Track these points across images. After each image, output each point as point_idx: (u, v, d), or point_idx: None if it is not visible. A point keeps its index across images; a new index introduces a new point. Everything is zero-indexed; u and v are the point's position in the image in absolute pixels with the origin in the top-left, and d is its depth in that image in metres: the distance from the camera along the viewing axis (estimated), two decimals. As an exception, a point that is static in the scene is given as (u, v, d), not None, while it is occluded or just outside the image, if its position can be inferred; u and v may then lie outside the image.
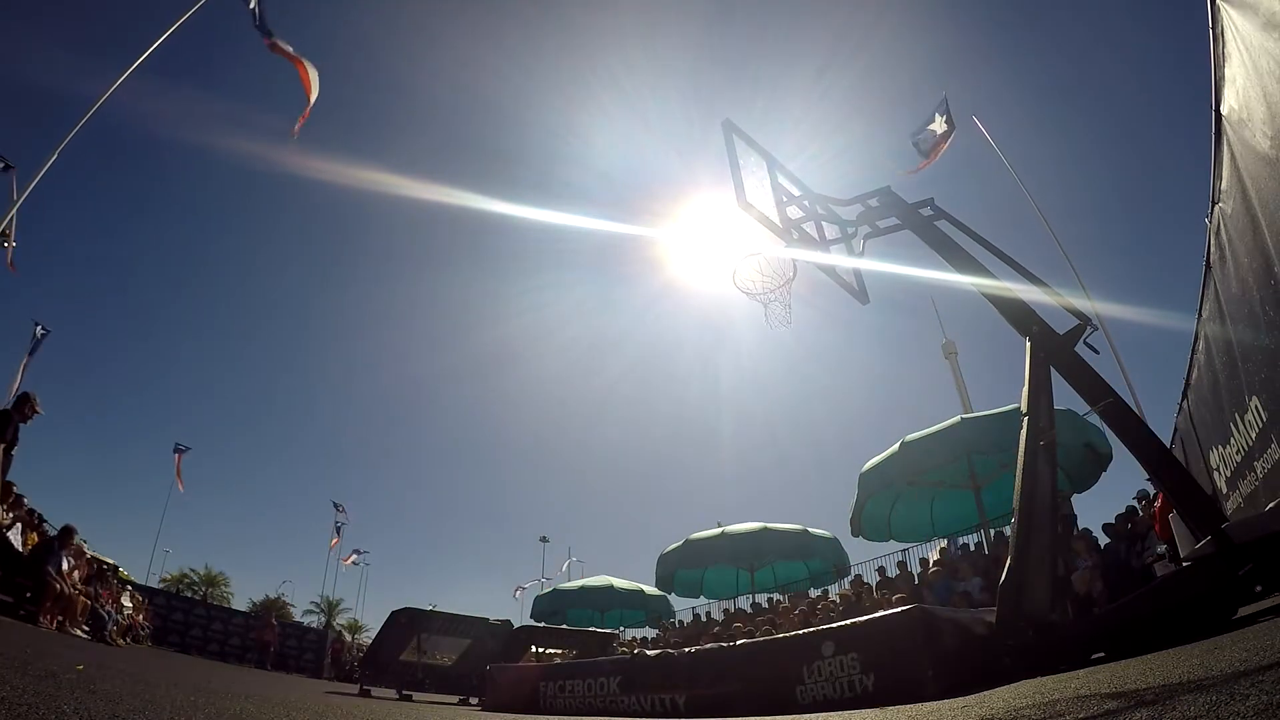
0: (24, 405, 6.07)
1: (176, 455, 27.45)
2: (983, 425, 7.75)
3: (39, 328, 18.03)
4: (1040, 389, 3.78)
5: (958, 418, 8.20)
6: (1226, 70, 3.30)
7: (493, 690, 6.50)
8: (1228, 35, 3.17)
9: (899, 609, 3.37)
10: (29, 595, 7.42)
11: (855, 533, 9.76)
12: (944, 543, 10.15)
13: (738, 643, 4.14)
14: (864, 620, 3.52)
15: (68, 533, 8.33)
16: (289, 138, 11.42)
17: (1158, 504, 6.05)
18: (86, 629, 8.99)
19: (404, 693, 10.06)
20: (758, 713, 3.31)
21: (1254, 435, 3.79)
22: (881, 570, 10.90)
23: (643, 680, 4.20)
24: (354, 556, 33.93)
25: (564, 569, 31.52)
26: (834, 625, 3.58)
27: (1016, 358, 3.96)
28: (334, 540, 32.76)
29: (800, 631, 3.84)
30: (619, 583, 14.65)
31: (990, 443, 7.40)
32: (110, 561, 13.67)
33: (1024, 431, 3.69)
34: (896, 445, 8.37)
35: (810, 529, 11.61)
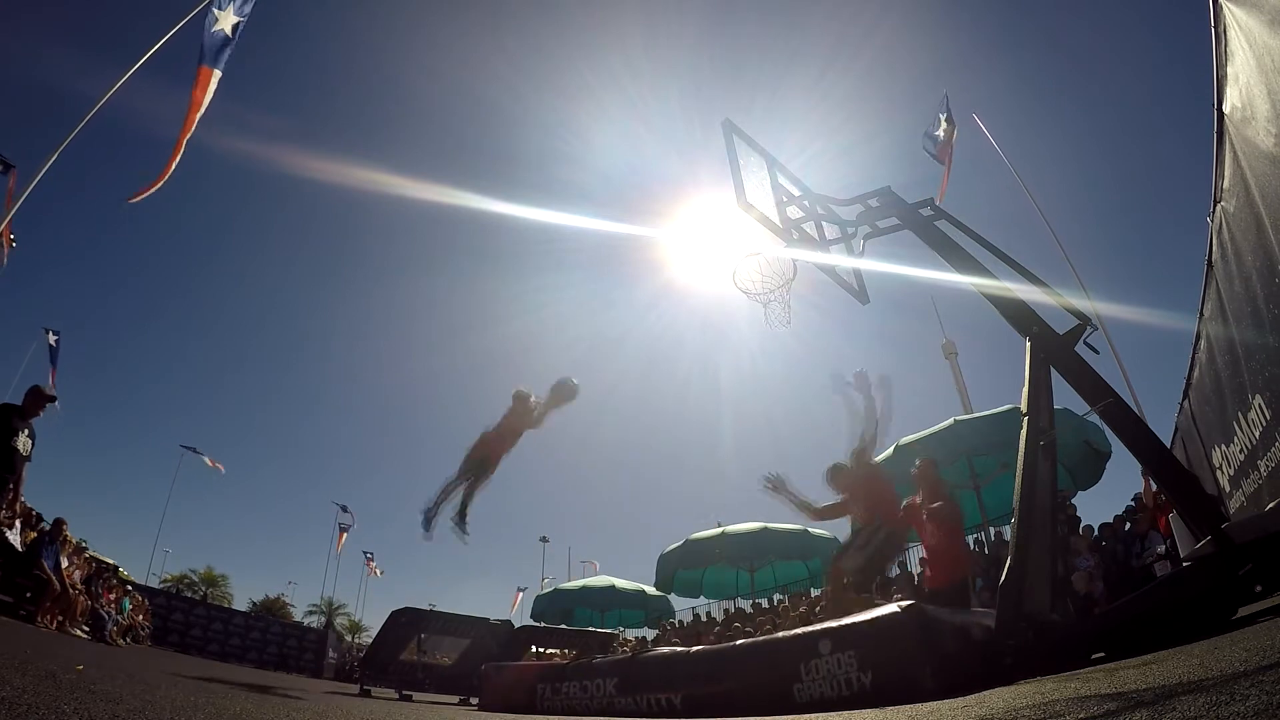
0: (30, 398, 5.49)
1: (208, 460, 27.49)
2: (978, 426, 7.74)
3: (50, 334, 17.87)
4: (1040, 389, 3.77)
5: (951, 420, 8.20)
6: (1229, 69, 3.30)
7: (488, 690, 6.50)
8: (1230, 33, 3.16)
9: (896, 607, 3.37)
10: (29, 595, 7.43)
11: (856, 534, 9.74)
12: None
13: (736, 643, 4.14)
14: (861, 619, 3.52)
15: (59, 525, 8.30)
16: (124, 204, 9.36)
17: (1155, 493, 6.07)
18: (86, 629, 9.00)
19: (404, 693, 10.06)
20: (755, 712, 3.30)
21: (1257, 434, 3.78)
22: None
23: (640, 680, 4.19)
24: (376, 568, 34.13)
25: (583, 567, 31.65)
26: (831, 624, 3.58)
27: (1016, 358, 3.96)
28: (340, 540, 32.89)
29: (797, 630, 3.82)
30: (620, 583, 14.66)
31: (986, 444, 7.39)
32: (110, 561, 13.68)
33: (1024, 431, 3.68)
34: (891, 449, 8.37)
35: (810, 529, 11.59)
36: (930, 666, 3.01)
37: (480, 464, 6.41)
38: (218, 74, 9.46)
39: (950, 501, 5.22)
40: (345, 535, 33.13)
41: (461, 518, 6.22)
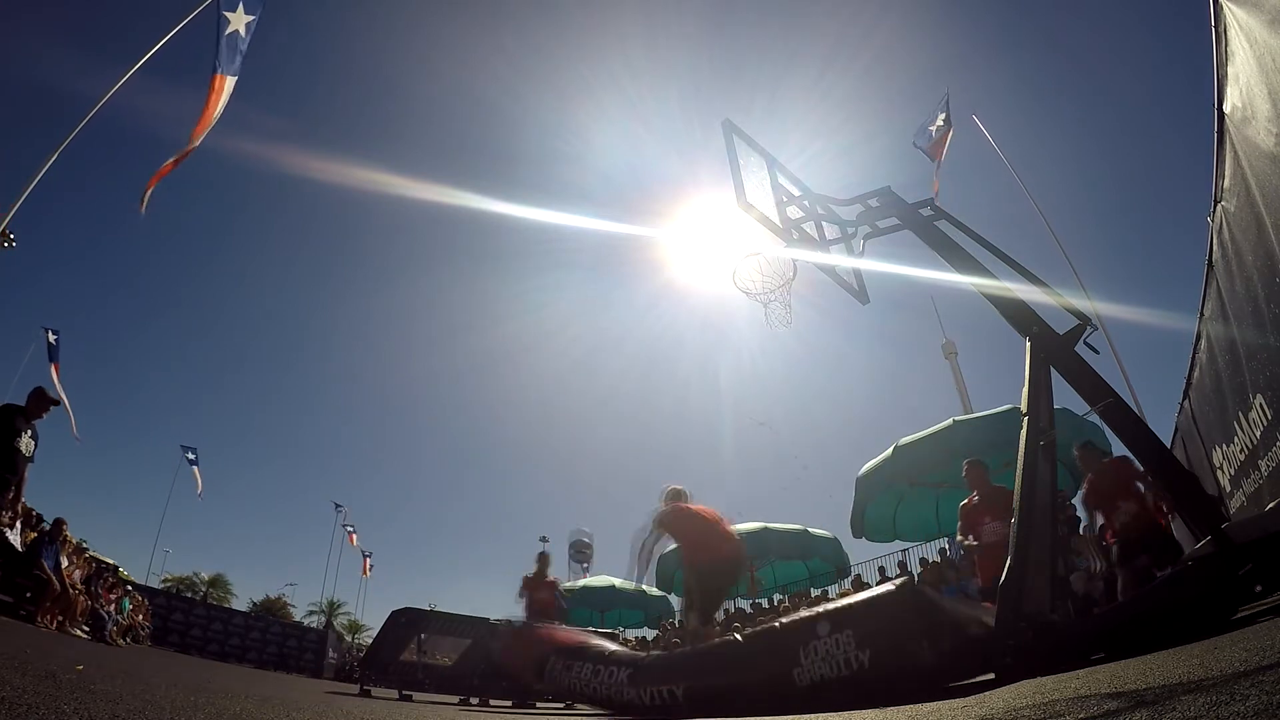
0: (34, 400, 5.52)
1: (195, 469, 27.18)
2: (976, 427, 7.75)
3: (50, 334, 17.87)
4: (1040, 389, 3.76)
5: (950, 420, 8.20)
6: (1230, 69, 3.30)
7: (506, 645, 6.54)
8: (1231, 33, 3.16)
9: (890, 586, 3.43)
10: (29, 595, 7.44)
11: (857, 534, 9.77)
12: (945, 543, 10.16)
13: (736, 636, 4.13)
14: (857, 599, 3.56)
15: (58, 525, 8.31)
16: (138, 212, 9.18)
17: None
18: (86, 629, 9.02)
19: (404, 693, 10.06)
20: (756, 699, 3.32)
21: (1258, 433, 3.78)
22: (882, 570, 10.92)
23: (648, 673, 4.18)
24: (369, 566, 34.25)
25: (583, 567, 31.90)
26: (828, 606, 3.61)
27: (1016, 358, 3.96)
28: (352, 540, 32.97)
29: (795, 615, 3.83)
30: (621, 583, 14.66)
31: (985, 444, 7.38)
32: (110, 561, 13.71)
33: (1024, 431, 3.68)
34: (890, 449, 8.38)
35: (810, 529, 11.61)
36: (928, 640, 3.05)
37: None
38: (233, 79, 9.46)
39: (1004, 492, 5.34)
40: (355, 536, 33.27)
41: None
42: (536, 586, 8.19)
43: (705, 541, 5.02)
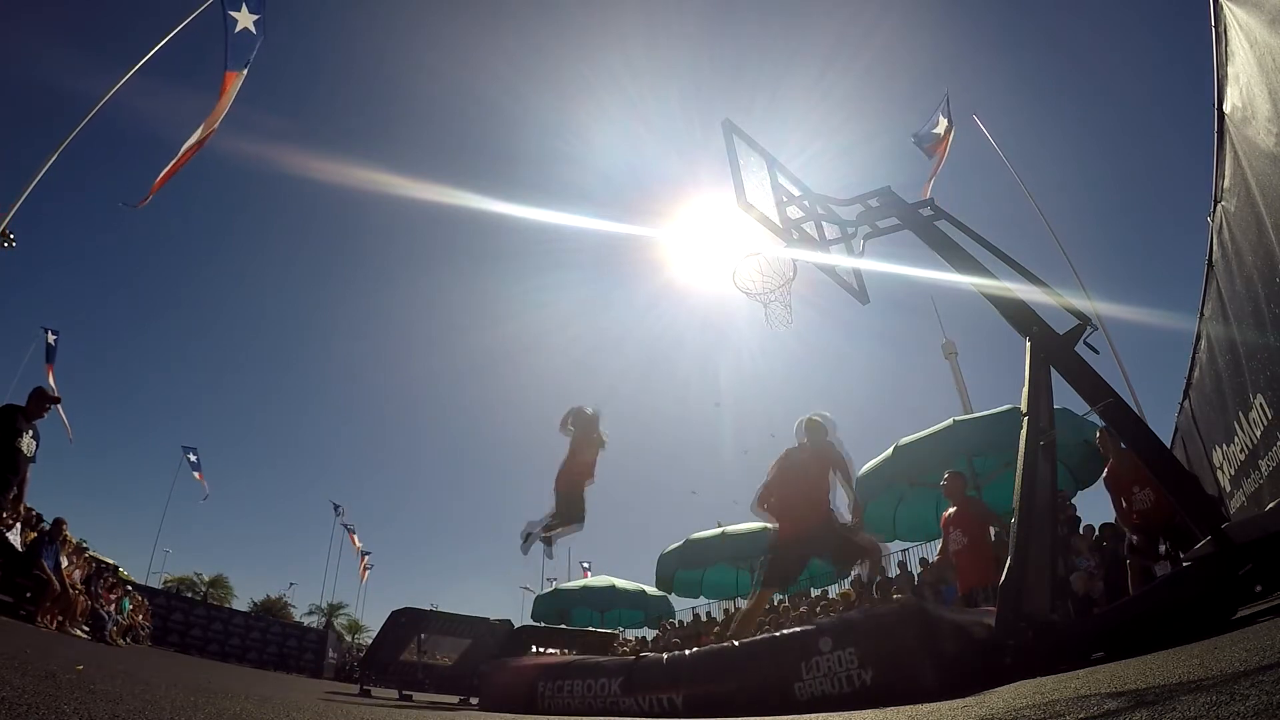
0: (34, 400, 5.49)
1: (195, 473, 27.20)
2: (976, 426, 7.75)
3: (49, 334, 17.93)
4: (1040, 389, 3.76)
5: (950, 420, 8.20)
6: (1230, 68, 3.30)
7: (487, 688, 6.50)
8: (1231, 33, 3.16)
9: (895, 604, 3.38)
10: (29, 595, 7.44)
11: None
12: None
13: (735, 643, 4.12)
14: (861, 616, 3.53)
15: (58, 525, 8.31)
16: (133, 207, 9.39)
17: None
18: (86, 629, 9.02)
19: (404, 693, 10.06)
20: (756, 709, 3.30)
21: (1258, 433, 3.78)
22: (882, 570, 10.89)
23: (643, 680, 4.17)
24: (366, 569, 34.26)
25: (583, 567, 32.04)
26: (831, 620, 3.58)
27: (1016, 358, 3.95)
28: (355, 542, 32.96)
29: (796, 629, 3.82)
30: (621, 583, 14.66)
31: (985, 444, 7.39)
32: (110, 561, 13.72)
33: (1024, 431, 3.68)
34: (890, 449, 8.38)
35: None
36: (931, 662, 3.01)
37: (570, 503, 6.40)
38: (242, 75, 9.58)
39: (975, 503, 5.64)
40: (356, 536, 33.26)
41: (546, 542, 6.70)
42: (585, 446, 6.49)
43: (783, 512, 4.82)
